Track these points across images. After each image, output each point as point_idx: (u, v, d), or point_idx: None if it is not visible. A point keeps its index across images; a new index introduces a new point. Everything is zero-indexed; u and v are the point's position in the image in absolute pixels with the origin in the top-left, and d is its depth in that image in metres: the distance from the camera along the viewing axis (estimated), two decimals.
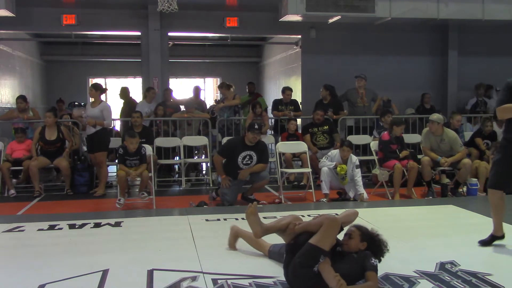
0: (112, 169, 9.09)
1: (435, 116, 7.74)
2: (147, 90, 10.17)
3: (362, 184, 7.41)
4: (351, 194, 7.39)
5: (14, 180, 8.37)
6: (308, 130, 9.00)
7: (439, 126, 7.64)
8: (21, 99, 9.11)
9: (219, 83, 17.31)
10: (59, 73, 16.08)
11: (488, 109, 10.93)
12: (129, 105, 10.45)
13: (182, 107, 10.18)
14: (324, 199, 7.33)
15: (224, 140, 8.76)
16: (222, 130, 9.34)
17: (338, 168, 7.27)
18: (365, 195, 7.34)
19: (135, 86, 16.11)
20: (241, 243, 4.79)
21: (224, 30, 11.68)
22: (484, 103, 11.08)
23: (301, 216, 4.21)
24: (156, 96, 10.37)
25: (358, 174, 7.37)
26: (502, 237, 4.74)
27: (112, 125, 9.14)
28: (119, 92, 11.09)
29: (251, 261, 4.34)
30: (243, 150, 7.15)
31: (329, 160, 7.46)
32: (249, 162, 7.19)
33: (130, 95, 11.05)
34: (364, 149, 9.29)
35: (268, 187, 8.34)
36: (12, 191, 8.02)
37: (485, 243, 4.73)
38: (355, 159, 7.48)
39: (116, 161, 7.60)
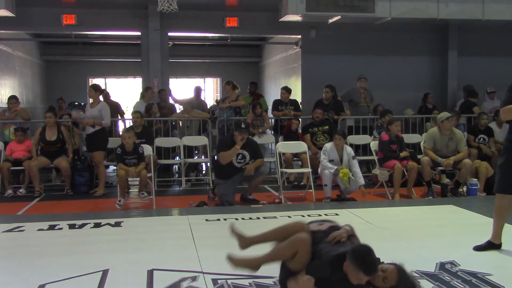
0: (112, 169, 9.10)
1: (449, 114, 7.71)
2: (145, 90, 10.19)
3: (362, 176, 7.39)
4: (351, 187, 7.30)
5: (21, 190, 8.18)
6: (308, 130, 9.00)
7: (452, 124, 7.62)
8: (14, 99, 9.09)
9: (221, 82, 17.38)
10: (59, 73, 16.07)
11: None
12: None
13: (180, 108, 10.20)
14: (327, 200, 7.31)
15: None
16: (222, 130, 9.34)
17: (341, 174, 7.10)
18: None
19: (135, 86, 16.16)
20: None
21: (224, 30, 11.68)
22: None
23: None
24: (154, 96, 10.37)
25: (356, 165, 7.30)
26: (499, 246, 4.63)
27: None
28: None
29: None
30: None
31: (326, 154, 7.37)
32: (242, 161, 7.21)
33: (111, 98, 11.06)
34: (364, 149, 9.29)
35: (268, 187, 8.35)
36: (10, 191, 8.00)
37: (480, 248, 4.63)
38: (349, 150, 7.47)
39: (115, 161, 7.62)
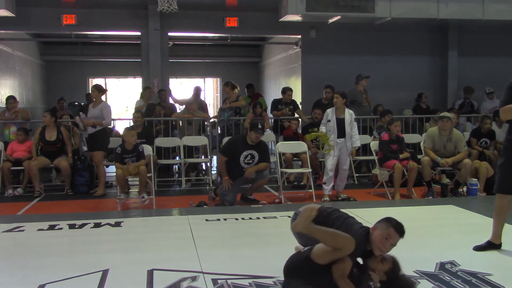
0: (112, 169, 9.10)
1: (449, 114, 7.71)
2: (145, 89, 10.20)
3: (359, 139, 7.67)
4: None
5: (18, 190, 8.19)
6: (308, 130, 9.00)
7: (452, 124, 7.61)
8: (12, 99, 9.14)
9: (221, 82, 17.37)
10: (59, 73, 16.06)
11: (476, 110, 11.11)
12: None
13: (180, 108, 10.19)
14: (326, 199, 7.32)
15: (225, 140, 8.76)
16: (223, 130, 9.33)
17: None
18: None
19: (135, 86, 16.16)
20: (240, 241, 4.78)
21: (224, 30, 11.68)
22: (471, 104, 11.19)
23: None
24: (154, 96, 10.37)
25: (355, 127, 7.55)
26: (499, 246, 4.63)
27: (112, 125, 9.17)
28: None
29: (251, 261, 4.34)
30: (245, 149, 7.16)
31: (326, 118, 7.51)
32: (250, 161, 7.20)
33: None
34: (364, 149, 9.28)
35: (268, 187, 8.35)
36: (10, 191, 8.03)
37: (480, 248, 4.62)
38: (351, 111, 7.60)
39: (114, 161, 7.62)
